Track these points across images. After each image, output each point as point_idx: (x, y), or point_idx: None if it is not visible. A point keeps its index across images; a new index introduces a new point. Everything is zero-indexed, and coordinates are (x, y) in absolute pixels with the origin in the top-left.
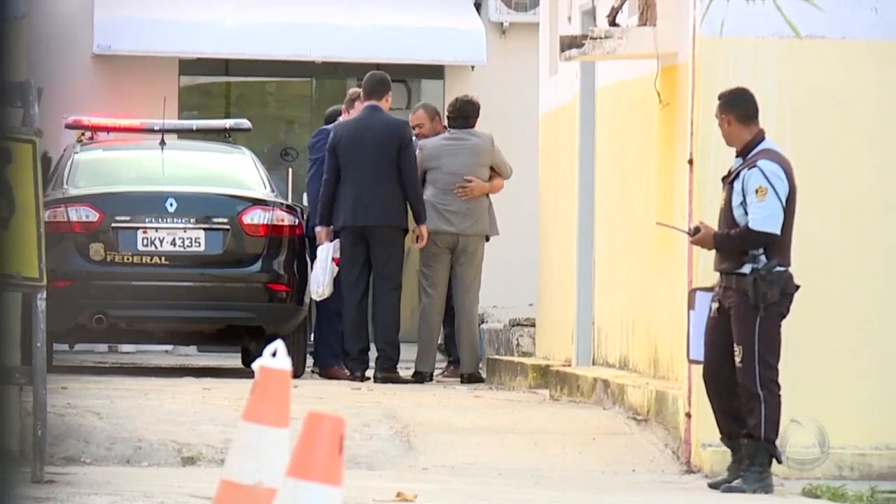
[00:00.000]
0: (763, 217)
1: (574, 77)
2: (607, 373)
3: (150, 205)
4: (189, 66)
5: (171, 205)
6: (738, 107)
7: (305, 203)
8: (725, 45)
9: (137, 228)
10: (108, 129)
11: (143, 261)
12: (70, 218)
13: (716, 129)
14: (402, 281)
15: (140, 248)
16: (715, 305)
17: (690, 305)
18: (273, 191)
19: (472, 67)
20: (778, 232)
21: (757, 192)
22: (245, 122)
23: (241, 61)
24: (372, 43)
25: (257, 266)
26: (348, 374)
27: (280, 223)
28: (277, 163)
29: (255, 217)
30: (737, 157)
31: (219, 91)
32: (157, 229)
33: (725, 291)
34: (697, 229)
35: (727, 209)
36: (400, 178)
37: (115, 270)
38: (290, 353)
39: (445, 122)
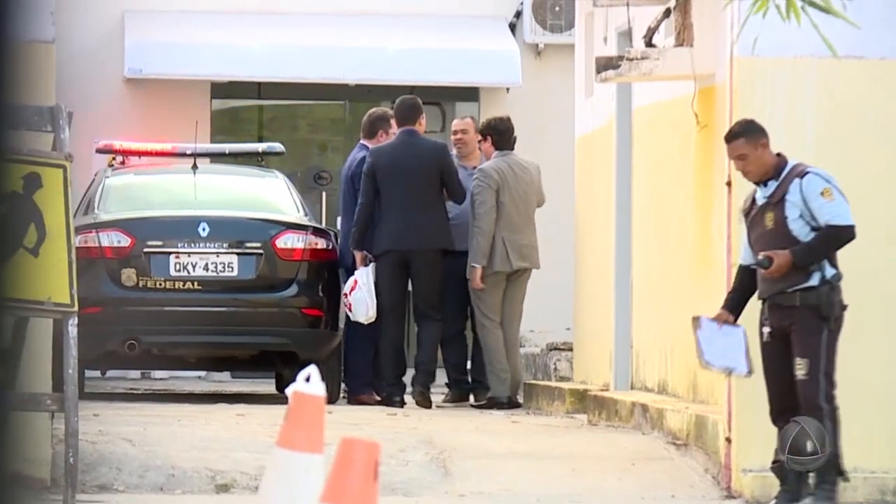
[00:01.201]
0: (842, 212)
1: (610, 99)
2: (646, 397)
3: (182, 229)
4: (221, 89)
5: (204, 229)
6: (761, 130)
7: (339, 227)
8: (762, 65)
9: (170, 253)
10: (139, 154)
11: (176, 286)
12: (101, 243)
13: None
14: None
15: (172, 273)
16: (767, 330)
17: (697, 327)
18: (306, 214)
19: (507, 89)
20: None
21: (823, 193)
22: (278, 146)
23: (273, 84)
24: (405, 65)
25: (291, 291)
26: (378, 399)
27: (314, 247)
28: (310, 186)
29: (288, 241)
30: (760, 183)
31: (251, 114)
32: (189, 254)
33: (781, 313)
34: (769, 259)
35: (780, 229)
36: (446, 198)
37: (147, 296)
38: (324, 378)
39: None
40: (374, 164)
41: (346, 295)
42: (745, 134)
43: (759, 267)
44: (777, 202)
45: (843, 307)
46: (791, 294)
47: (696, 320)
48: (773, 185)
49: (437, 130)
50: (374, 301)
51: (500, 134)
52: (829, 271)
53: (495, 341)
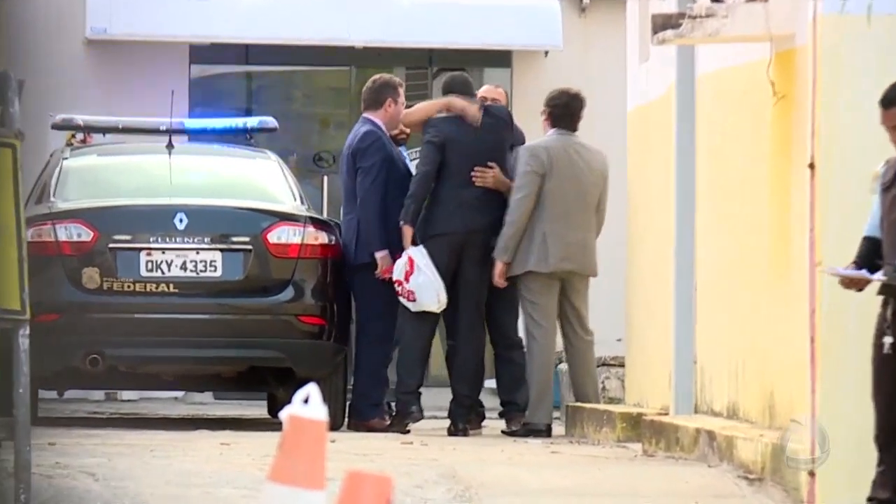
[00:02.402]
0: None
1: (669, 64)
2: (712, 423)
3: (155, 221)
4: (201, 52)
5: (181, 221)
6: None
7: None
8: (852, 24)
9: (140, 250)
10: (103, 130)
11: (148, 289)
12: (58, 237)
13: (843, 126)
14: None
15: (143, 273)
16: (889, 341)
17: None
18: (304, 203)
19: (546, 53)
20: None
21: None
22: (270, 121)
23: (263, 47)
24: (423, 24)
25: (286, 294)
26: (387, 424)
27: (313, 242)
28: (309, 169)
29: (282, 235)
30: None
31: (237, 83)
32: (163, 251)
33: None
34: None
35: None
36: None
37: (114, 301)
38: (325, 399)
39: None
40: (444, 135)
41: (399, 283)
42: None
43: (893, 281)
44: None
45: None
46: None
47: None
48: None
49: None
50: (442, 282)
51: (561, 109)
52: None
53: (544, 354)
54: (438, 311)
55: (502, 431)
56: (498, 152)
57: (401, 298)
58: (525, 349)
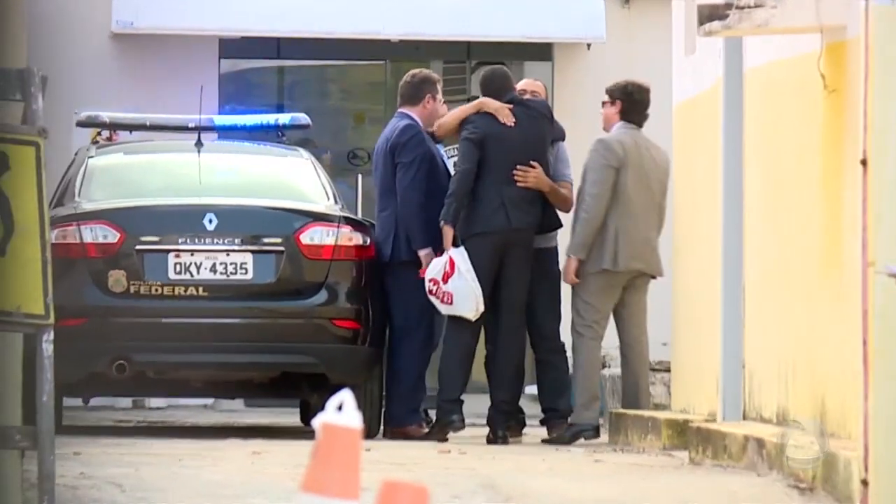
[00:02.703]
0: None
1: (716, 57)
2: (762, 430)
3: (183, 222)
4: (232, 47)
5: (211, 222)
6: None
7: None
8: None
9: (168, 252)
10: (130, 128)
11: (176, 292)
12: (83, 239)
13: None
14: None
15: (171, 276)
16: None
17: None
18: (338, 203)
19: (588, 46)
20: None
21: None
22: (303, 118)
23: (295, 40)
24: (461, 16)
25: (319, 297)
26: (425, 432)
27: (347, 243)
28: (343, 168)
29: (315, 236)
30: None
31: (269, 78)
32: (192, 252)
33: None
34: None
35: None
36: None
37: (141, 305)
38: (360, 406)
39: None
40: (484, 130)
41: (435, 282)
42: None
43: None
44: None
45: None
46: None
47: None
48: None
49: None
50: (480, 289)
51: (634, 103)
52: None
53: (593, 352)
54: (474, 319)
55: (543, 440)
56: (539, 147)
57: (433, 298)
58: (572, 350)
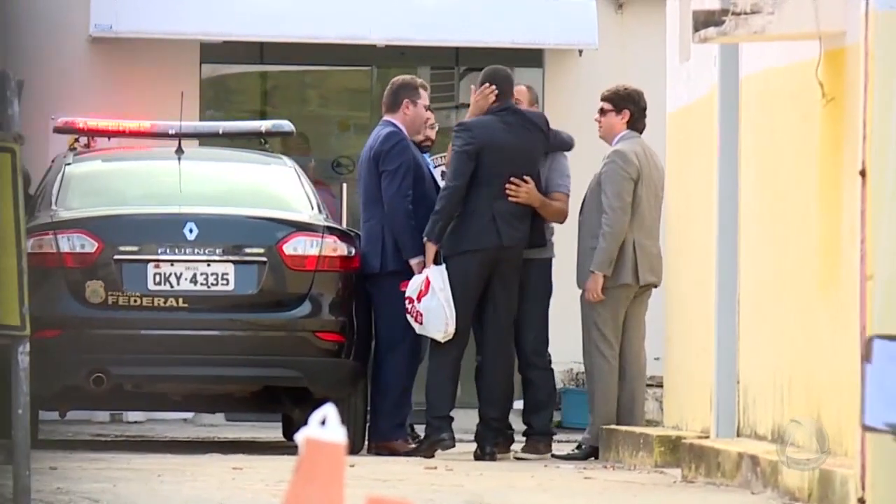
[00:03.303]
0: None
1: (712, 64)
2: (756, 446)
3: (163, 231)
4: (213, 51)
5: (191, 231)
6: None
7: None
8: None
9: (147, 262)
10: (108, 134)
11: (155, 303)
12: (60, 248)
13: None
14: None
15: (151, 287)
16: None
17: (866, 357)
18: (322, 212)
19: (580, 52)
20: None
21: None
22: (286, 124)
23: (279, 45)
24: (449, 21)
25: (303, 309)
26: (412, 447)
27: (331, 254)
28: (328, 176)
29: (299, 246)
30: None
31: (251, 84)
32: (172, 263)
33: None
34: None
35: None
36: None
37: (119, 316)
38: (344, 421)
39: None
40: (480, 140)
41: (410, 300)
42: None
43: None
44: None
45: None
46: None
47: (869, 344)
48: None
49: None
50: (454, 311)
51: (641, 111)
52: None
53: (614, 374)
54: (443, 340)
55: (514, 456)
56: (532, 159)
57: (408, 316)
58: (591, 368)
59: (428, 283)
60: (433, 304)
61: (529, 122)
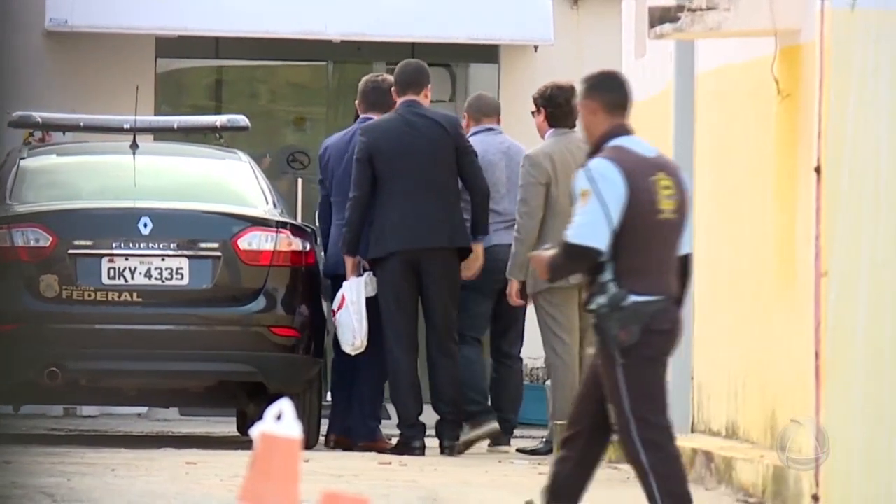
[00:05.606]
0: None
1: (667, 60)
2: (710, 443)
3: (118, 226)
4: (169, 46)
5: (146, 226)
6: None
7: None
8: (863, 19)
9: (102, 256)
10: (63, 128)
11: (110, 298)
12: (14, 242)
13: (851, 127)
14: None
15: (105, 281)
16: None
17: None
18: (277, 207)
19: (536, 48)
20: None
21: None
22: (241, 119)
23: (234, 40)
24: (405, 16)
25: (257, 304)
26: (392, 447)
27: (286, 249)
28: (283, 171)
29: (254, 241)
30: None
31: (206, 78)
32: (127, 257)
33: None
34: None
35: None
36: (468, 188)
37: (74, 310)
38: (300, 416)
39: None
40: (371, 147)
41: (333, 313)
42: None
43: None
44: None
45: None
46: None
47: None
48: None
49: (446, 100)
50: (364, 325)
51: (558, 107)
52: None
53: (570, 372)
54: (353, 353)
55: (518, 450)
56: (435, 158)
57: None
58: (550, 369)
59: (343, 297)
60: (344, 318)
61: (431, 121)
